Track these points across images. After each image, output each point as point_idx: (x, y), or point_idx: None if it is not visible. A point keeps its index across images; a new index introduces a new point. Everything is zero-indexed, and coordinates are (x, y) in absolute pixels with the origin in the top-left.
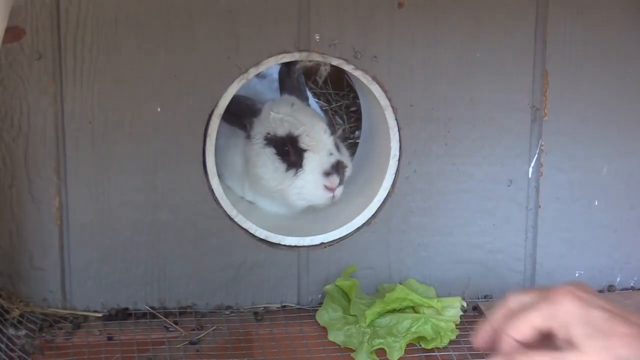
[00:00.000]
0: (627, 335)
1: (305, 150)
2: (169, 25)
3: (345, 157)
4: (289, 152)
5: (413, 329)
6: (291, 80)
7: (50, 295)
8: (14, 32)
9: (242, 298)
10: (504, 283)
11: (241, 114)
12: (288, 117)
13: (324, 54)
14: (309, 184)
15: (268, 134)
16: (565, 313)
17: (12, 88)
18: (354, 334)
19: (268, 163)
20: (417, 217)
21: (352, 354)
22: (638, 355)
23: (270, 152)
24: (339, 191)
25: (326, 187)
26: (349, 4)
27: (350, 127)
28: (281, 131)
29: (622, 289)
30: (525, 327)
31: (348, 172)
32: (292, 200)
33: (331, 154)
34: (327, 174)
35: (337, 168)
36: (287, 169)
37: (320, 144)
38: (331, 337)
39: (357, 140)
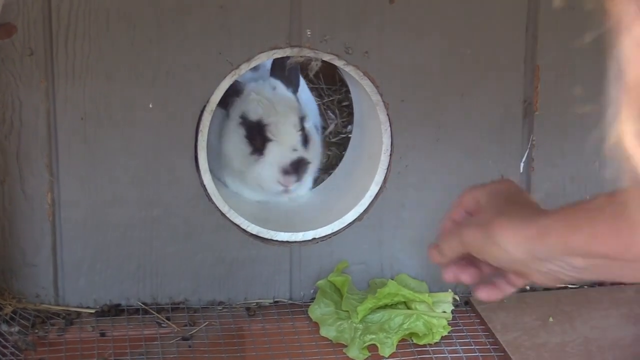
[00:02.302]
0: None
1: (270, 140)
2: (161, 21)
3: (312, 152)
4: (256, 137)
5: (405, 325)
6: (282, 67)
7: (42, 292)
8: (5, 29)
9: (234, 294)
10: None
11: (225, 92)
12: (265, 101)
13: (315, 50)
14: (265, 174)
15: (243, 114)
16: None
17: (3, 85)
18: (346, 329)
19: (237, 143)
20: (408, 211)
21: (344, 350)
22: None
23: (241, 132)
24: (294, 187)
25: (280, 182)
26: (341, 0)
27: (342, 122)
28: (254, 115)
29: (613, 283)
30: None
31: (312, 168)
32: (251, 184)
33: (295, 150)
34: (284, 171)
35: (297, 166)
36: (251, 153)
37: (285, 138)
38: (323, 332)
39: (349, 135)
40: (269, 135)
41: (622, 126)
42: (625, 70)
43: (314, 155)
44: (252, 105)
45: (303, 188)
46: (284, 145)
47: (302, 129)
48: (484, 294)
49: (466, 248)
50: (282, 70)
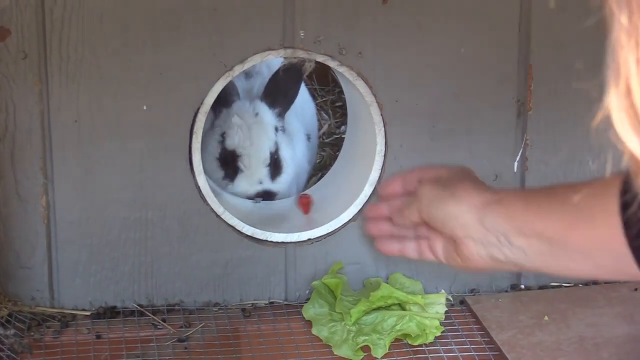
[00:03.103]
0: None
1: (240, 171)
2: (154, 23)
3: (280, 183)
4: (229, 165)
5: (398, 327)
6: (274, 86)
7: (38, 294)
8: None
9: (229, 295)
10: (491, 277)
11: (220, 96)
12: (244, 129)
13: (309, 51)
14: (238, 194)
15: (224, 134)
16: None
17: None
18: (338, 331)
19: (212, 161)
20: None
21: (333, 348)
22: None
23: (217, 152)
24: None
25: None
26: (334, 0)
27: (336, 122)
28: (230, 143)
29: (607, 282)
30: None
31: (277, 196)
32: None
33: (260, 182)
34: (249, 198)
35: (261, 195)
36: (223, 178)
37: (253, 173)
38: (315, 331)
39: (343, 135)
40: (240, 165)
41: (609, 103)
42: (615, 57)
43: (283, 186)
44: (232, 131)
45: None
46: (250, 177)
47: (273, 161)
48: (384, 247)
49: (420, 203)
50: (273, 89)
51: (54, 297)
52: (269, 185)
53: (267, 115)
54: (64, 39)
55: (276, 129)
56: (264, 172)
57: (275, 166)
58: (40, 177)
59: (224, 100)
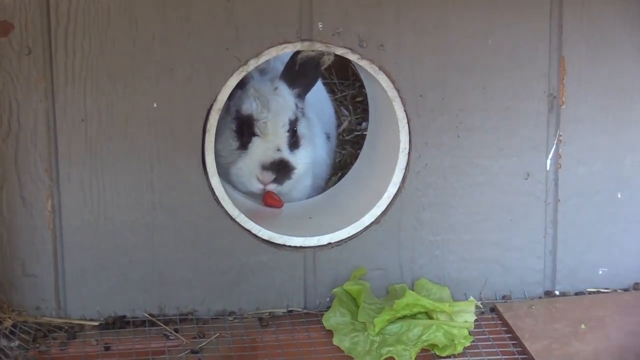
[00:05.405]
0: None
1: (255, 135)
2: (164, 16)
3: (300, 158)
4: (244, 132)
5: (424, 337)
6: (292, 68)
7: (43, 304)
8: (1, 27)
9: (245, 303)
10: (523, 282)
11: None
12: (262, 98)
13: (327, 44)
14: (245, 169)
15: (238, 108)
16: None
17: (0, 85)
18: (360, 342)
19: (226, 137)
20: (429, 213)
21: None
22: None
23: (232, 127)
24: (272, 187)
25: (258, 179)
26: None
27: (357, 119)
28: (247, 109)
29: None
30: None
31: (296, 174)
32: (233, 180)
33: (278, 150)
34: (263, 166)
35: (278, 166)
36: (237, 148)
37: (271, 136)
38: (336, 341)
39: (364, 132)
40: (256, 130)
41: None
42: None
43: (302, 161)
44: (248, 101)
45: (275, 188)
46: (268, 143)
47: (293, 131)
48: None
49: None
50: (291, 70)
51: (61, 306)
52: (287, 154)
53: (287, 91)
54: (70, 34)
55: (296, 106)
56: (283, 137)
57: (293, 137)
58: (45, 179)
59: (239, 82)
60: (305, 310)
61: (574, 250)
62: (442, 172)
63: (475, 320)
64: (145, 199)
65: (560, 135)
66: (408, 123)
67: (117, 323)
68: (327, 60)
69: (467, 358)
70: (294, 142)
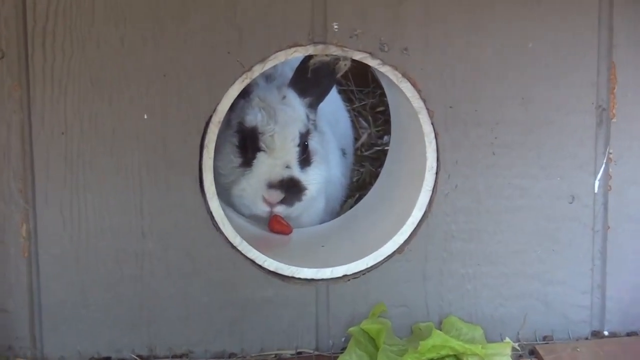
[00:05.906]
0: None
1: (261, 151)
2: (158, 15)
3: (312, 176)
4: (247, 147)
5: None
6: (303, 74)
7: (17, 343)
8: None
9: (248, 343)
10: (567, 321)
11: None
12: (268, 108)
13: (344, 47)
14: (249, 189)
15: (241, 120)
16: None
17: None
18: None
19: (228, 153)
20: (459, 242)
21: None
22: None
23: (233, 141)
24: (280, 209)
25: (265, 200)
26: None
27: (377, 132)
28: (251, 121)
29: None
30: None
31: (307, 195)
32: (235, 202)
33: (287, 167)
34: (270, 185)
35: (287, 185)
36: (240, 165)
37: (278, 151)
38: None
39: (386, 148)
40: (261, 145)
41: None
42: None
43: (314, 180)
44: (252, 111)
45: (283, 210)
46: (275, 159)
47: (303, 146)
48: None
49: None
50: (302, 77)
51: (37, 345)
52: (297, 172)
53: (296, 101)
54: (49, 35)
55: (307, 117)
56: (292, 153)
57: (304, 152)
58: (19, 201)
59: (242, 91)
60: (316, 352)
61: (625, 285)
62: (474, 194)
63: None
64: (134, 224)
65: (611, 153)
66: (436, 138)
67: None
68: (344, 66)
69: None
70: (304, 159)
